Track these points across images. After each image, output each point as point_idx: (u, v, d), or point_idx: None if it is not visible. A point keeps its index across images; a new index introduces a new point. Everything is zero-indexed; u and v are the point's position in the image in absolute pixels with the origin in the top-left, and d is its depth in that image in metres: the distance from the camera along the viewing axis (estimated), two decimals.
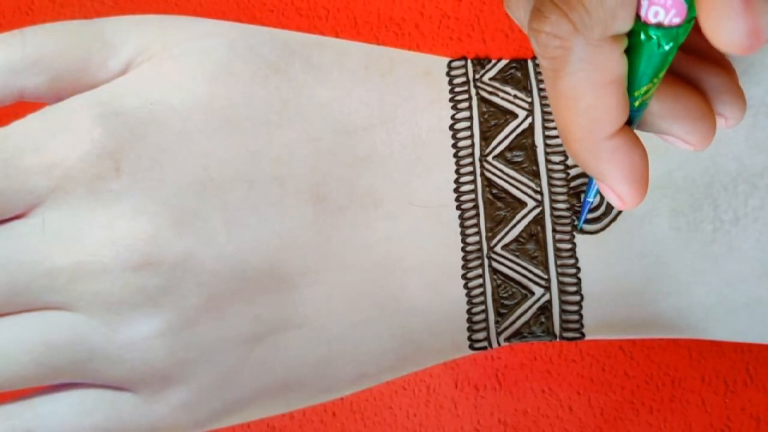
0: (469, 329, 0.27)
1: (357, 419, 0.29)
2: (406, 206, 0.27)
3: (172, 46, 0.24)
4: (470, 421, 0.28)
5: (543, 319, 0.27)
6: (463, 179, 0.27)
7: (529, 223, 0.27)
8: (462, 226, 0.27)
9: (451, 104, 0.27)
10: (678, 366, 0.28)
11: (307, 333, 0.25)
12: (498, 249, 0.27)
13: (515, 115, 0.27)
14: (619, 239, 0.27)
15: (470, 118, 0.27)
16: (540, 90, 0.27)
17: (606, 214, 0.27)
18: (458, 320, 0.27)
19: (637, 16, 0.18)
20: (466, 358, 0.28)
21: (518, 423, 0.28)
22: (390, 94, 0.27)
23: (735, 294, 0.26)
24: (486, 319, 0.27)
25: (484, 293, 0.27)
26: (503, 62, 0.28)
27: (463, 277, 0.27)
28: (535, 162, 0.27)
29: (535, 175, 0.27)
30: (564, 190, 0.27)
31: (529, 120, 0.27)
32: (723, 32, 0.15)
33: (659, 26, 0.18)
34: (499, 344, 0.27)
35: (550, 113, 0.27)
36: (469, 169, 0.27)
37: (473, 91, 0.27)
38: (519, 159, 0.27)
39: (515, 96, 0.27)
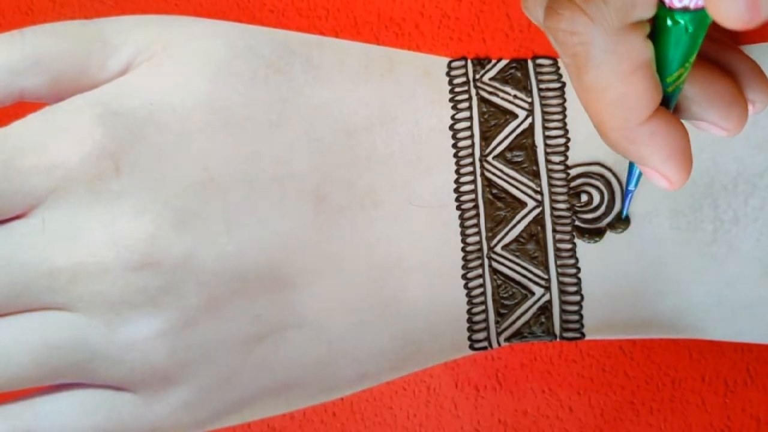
0: (470, 329, 0.27)
1: (357, 419, 0.29)
2: (406, 206, 0.27)
3: (172, 46, 0.24)
4: (470, 422, 0.28)
5: (543, 320, 0.27)
6: (463, 179, 0.27)
7: (529, 223, 0.27)
8: (462, 226, 0.27)
9: (451, 104, 0.27)
10: (678, 366, 0.28)
11: (308, 333, 0.25)
12: (498, 249, 0.27)
13: (515, 115, 0.27)
14: (620, 239, 0.27)
15: (470, 118, 0.27)
16: (540, 90, 0.27)
17: (606, 215, 0.27)
18: (458, 320, 0.27)
19: (662, 2, 0.18)
20: (466, 359, 0.28)
21: (518, 423, 0.28)
22: (390, 94, 0.27)
23: (735, 294, 0.26)
24: (486, 320, 0.27)
25: (484, 293, 0.27)
26: (503, 62, 0.28)
27: (464, 277, 0.27)
28: (535, 162, 0.27)
29: (535, 175, 0.27)
30: (564, 190, 0.27)
31: (529, 120, 0.27)
32: (723, 5, 0.15)
33: (685, 10, 0.18)
34: (499, 344, 0.27)
35: (550, 113, 0.27)
36: (469, 169, 0.27)
37: (473, 91, 0.27)
38: (519, 159, 0.27)
39: (515, 96, 0.27)
